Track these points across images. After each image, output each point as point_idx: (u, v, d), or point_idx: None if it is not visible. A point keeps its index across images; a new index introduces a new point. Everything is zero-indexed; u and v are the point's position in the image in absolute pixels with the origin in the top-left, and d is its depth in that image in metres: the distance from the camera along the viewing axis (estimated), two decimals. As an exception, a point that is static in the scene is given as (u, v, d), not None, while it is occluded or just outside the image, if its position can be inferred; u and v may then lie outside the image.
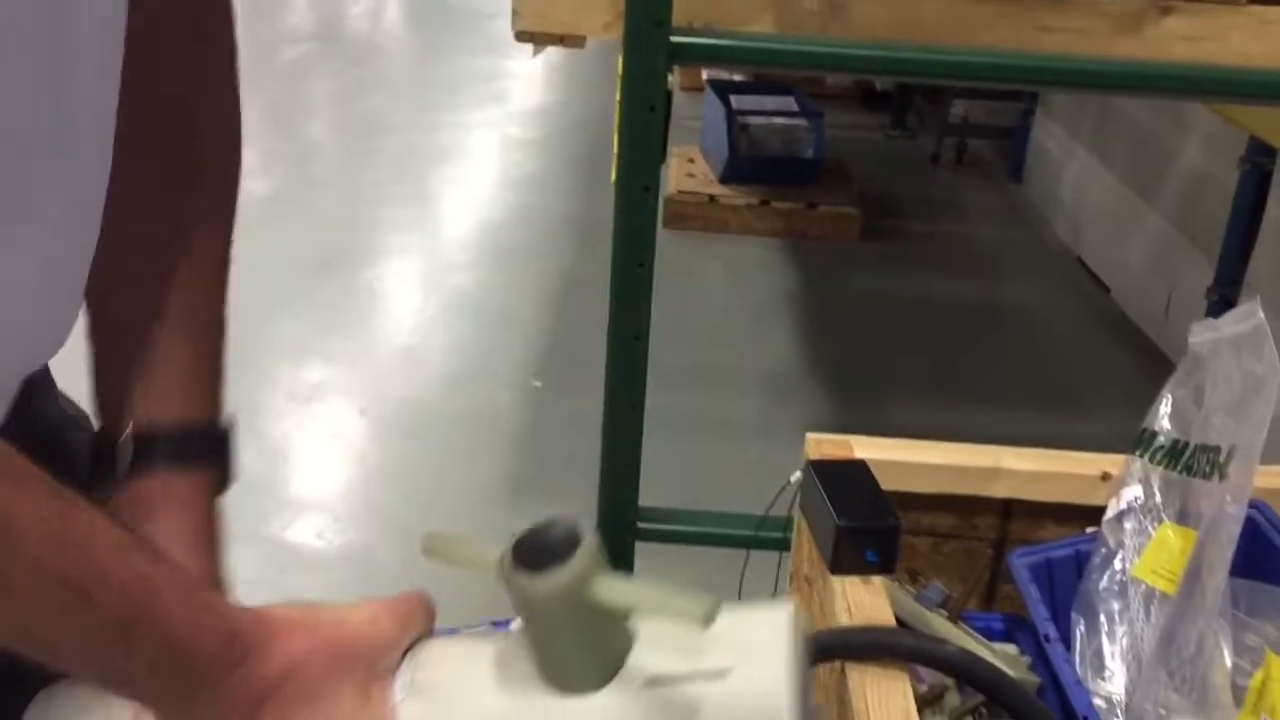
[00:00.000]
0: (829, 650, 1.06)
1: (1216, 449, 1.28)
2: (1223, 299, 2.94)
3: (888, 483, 1.37)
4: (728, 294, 3.71)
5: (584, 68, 5.50)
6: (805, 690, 0.54)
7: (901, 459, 1.41)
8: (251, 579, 2.53)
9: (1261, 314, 1.24)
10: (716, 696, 0.54)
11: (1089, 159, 4.11)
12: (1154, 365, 3.04)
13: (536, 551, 0.56)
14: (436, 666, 0.61)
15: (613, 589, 0.54)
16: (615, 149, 1.64)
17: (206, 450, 0.75)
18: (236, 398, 2.87)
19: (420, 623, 0.64)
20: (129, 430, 0.70)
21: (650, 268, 1.72)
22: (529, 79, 6.15)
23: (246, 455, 2.67)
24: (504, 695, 0.57)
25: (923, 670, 1.27)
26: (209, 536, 0.74)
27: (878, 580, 1.19)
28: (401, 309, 3.45)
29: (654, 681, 0.55)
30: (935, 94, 5.25)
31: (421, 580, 2.56)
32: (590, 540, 0.56)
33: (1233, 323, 1.27)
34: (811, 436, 1.43)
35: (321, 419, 2.79)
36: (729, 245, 4.01)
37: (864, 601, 1.16)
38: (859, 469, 1.28)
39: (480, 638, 0.64)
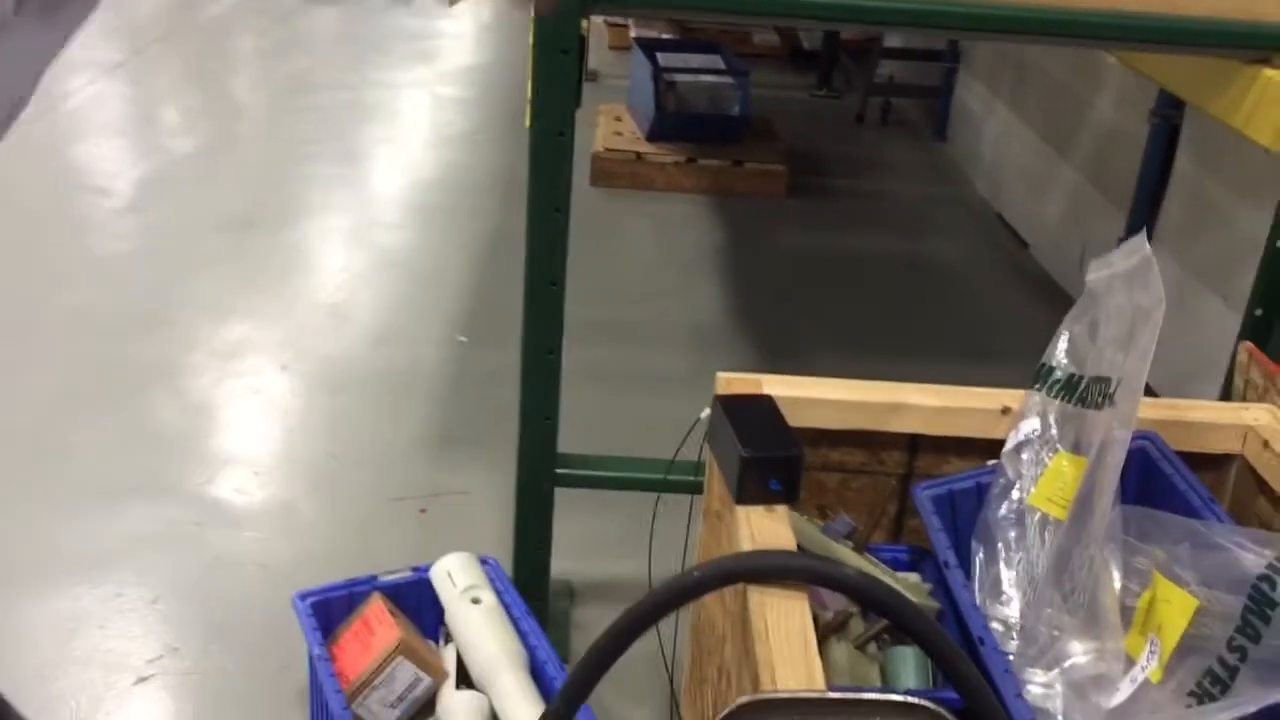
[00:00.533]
0: (730, 574, 1.08)
1: (1107, 380, 1.32)
2: (1133, 250, 3.01)
3: (797, 419, 1.40)
4: (655, 250, 3.72)
5: (517, 28, 5.46)
6: None
7: (809, 395, 1.44)
8: (172, 533, 2.53)
9: (1148, 247, 1.29)
10: None
11: (1008, 116, 4.17)
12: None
13: None
14: None
15: None
16: (529, 94, 1.64)
17: None
18: (156, 355, 2.87)
19: None
20: None
21: (566, 214, 1.73)
22: (459, 37, 6.09)
23: (167, 412, 2.66)
24: None
25: (827, 598, 1.31)
26: None
27: (781, 509, 1.22)
28: (326, 267, 3.42)
29: None
30: (862, 54, 5.29)
31: (340, 531, 2.58)
32: None
33: (1123, 257, 1.31)
34: (722, 375, 1.45)
35: (243, 375, 2.76)
36: (656, 203, 4.03)
37: (767, 529, 1.19)
38: (765, 403, 1.31)
39: None
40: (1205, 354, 2.64)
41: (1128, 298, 1.31)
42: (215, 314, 3.02)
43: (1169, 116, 2.91)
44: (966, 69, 4.72)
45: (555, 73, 1.63)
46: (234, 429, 2.58)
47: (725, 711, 0.91)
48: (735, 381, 1.43)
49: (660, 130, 4.15)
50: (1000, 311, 3.41)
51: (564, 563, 2.07)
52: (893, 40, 5.39)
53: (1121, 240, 3.07)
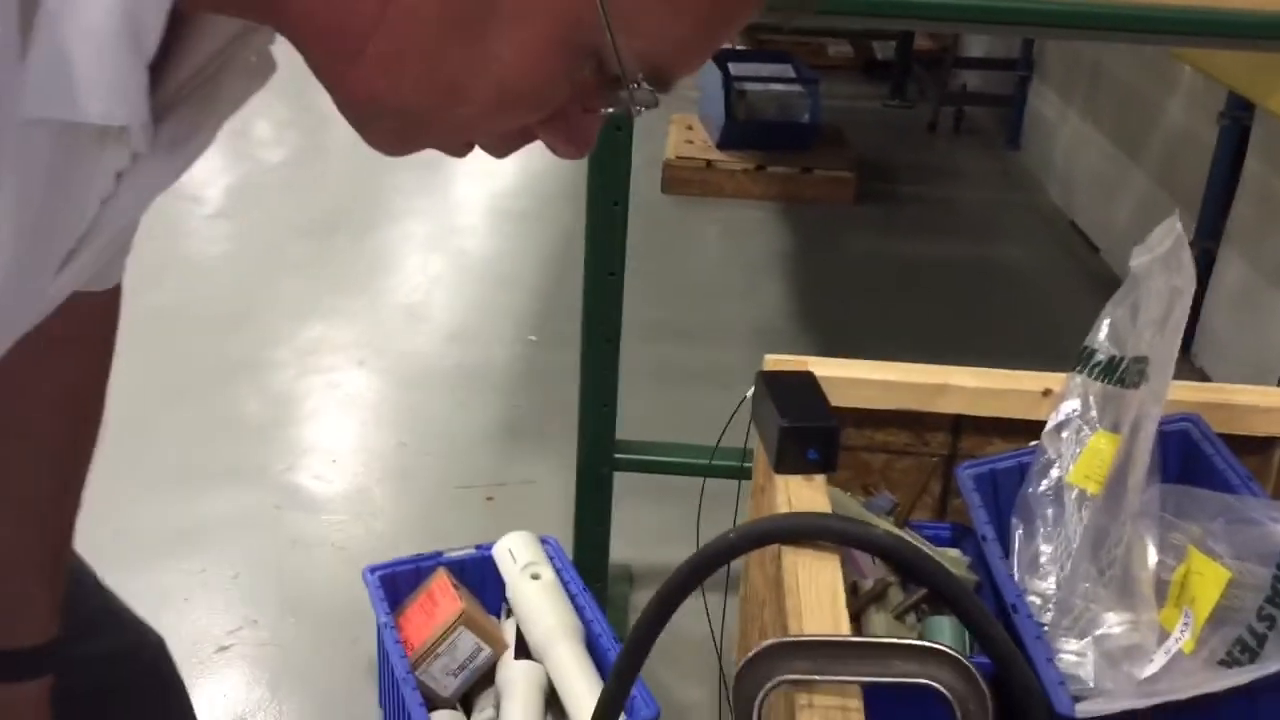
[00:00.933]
0: (765, 535, 1.14)
1: (1145, 359, 1.35)
2: (1204, 253, 3.00)
3: (843, 400, 1.45)
4: (723, 255, 3.78)
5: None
6: None
7: (855, 376, 1.49)
8: (252, 515, 2.65)
9: (1179, 227, 1.32)
10: None
11: (1081, 124, 4.16)
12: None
13: None
14: None
15: None
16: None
17: (33, 669, 0.89)
18: (242, 351, 3.00)
19: None
20: None
21: (625, 207, 1.80)
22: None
23: (251, 403, 2.80)
24: None
25: (866, 568, 1.36)
26: None
27: (819, 479, 1.27)
28: (404, 270, 3.54)
29: None
30: (935, 63, 5.30)
31: (410, 516, 2.69)
32: None
33: (1159, 240, 1.34)
34: (770, 357, 1.51)
35: (322, 370, 2.88)
36: (726, 209, 4.08)
37: (804, 497, 1.24)
38: (806, 379, 1.36)
39: None
40: (1276, 353, 2.62)
41: (1165, 280, 1.34)
42: (298, 313, 3.15)
43: (1238, 118, 2.89)
44: (1040, 77, 4.71)
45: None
46: (313, 420, 2.69)
47: (751, 653, 0.97)
48: (783, 362, 1.48)
49: (730, 138, 4.21)
50: (1069, 314, 3.40)
51: (624, 549, 2.14)
52: (966, 50, 5.39)
53: (1191, 244, 3.07)
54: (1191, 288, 1.26)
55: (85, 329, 0.93)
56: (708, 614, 1.69)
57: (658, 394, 2.73)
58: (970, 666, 0.95)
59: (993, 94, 5.10)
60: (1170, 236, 1.30)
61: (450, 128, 0.61)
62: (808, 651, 0.95)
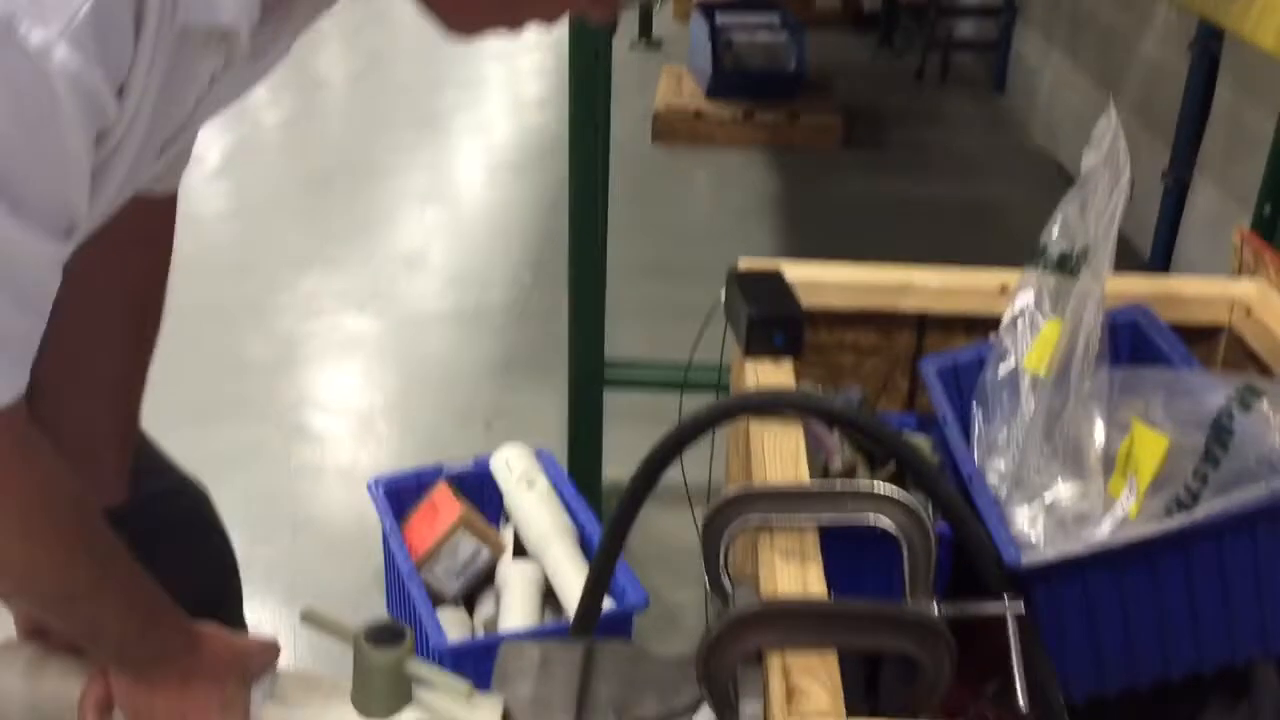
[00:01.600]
0: (733, 408, 1.23)
1: (1089, 249, 1.44)
2: (1177, 181, 3.08)
3: (813, 301, 1.54)
4: (712, 200, 3.87)
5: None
6: None
7: (824, 279, 1.58)
8: (261, 448, 2.78)
9: (1115, 119, 1.40)
10: None
11: (1063, 64, 4.23)
12: (1119, 252, 3.18)
13: (376, 634, 0.94)
14: (287, 685, 0.99)
15: (417, 667, 0.95)
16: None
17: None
18: (247, 298, 3.13)
19: (270, 658, 0.99)
20: None
21: (606, 131, 1.88)
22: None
23: (256, 347, 2.92)
24: (327, 710, 0.97)
25: (833, 448, 1.45)
26: None
27: (786, 363, 1.37)
28: (401, 221, 3.63)
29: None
30: (921, 13, 5.36)
31: (413, 443, 2.79)
32: (409, 638, 0.95)
33: (1101, 136, 1.43)
34: (743, 259, 1.60)
35: (325, 314, 2.98)
36: (715, 156, 4.16)
37: (770, 378, 1.34)
38: (774, 276, 1.45)
39: (312, 677, 1.02)
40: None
41: (1108, 172, 1.43)
42: (300, 263, 3.24)
43: (1208, 46, 2.96)
44: (1024, 22, 4.77)
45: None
46: (317, 360, 2.79)
47: (718, 501, 1.06)
48: (754, 263, 1.57)
49: (719, 88, 4.28)
50: (1050, 249, 3.48)
51: (616, 470, 2.24)
52: (953, -2, 5.44)
53: (1165, 173, 3.15)
54: (1127, 173, 1.34)
55: (150, 231, 1.07)
56: (695, 522, 1.79)
57: (647, 328, 2.81)
58: (915, 507, 1.05)
59: (978, 40, 5.16)
60: (1109, 130, 1.39)
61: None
62: (769, 499, 1.05)
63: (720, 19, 4.41)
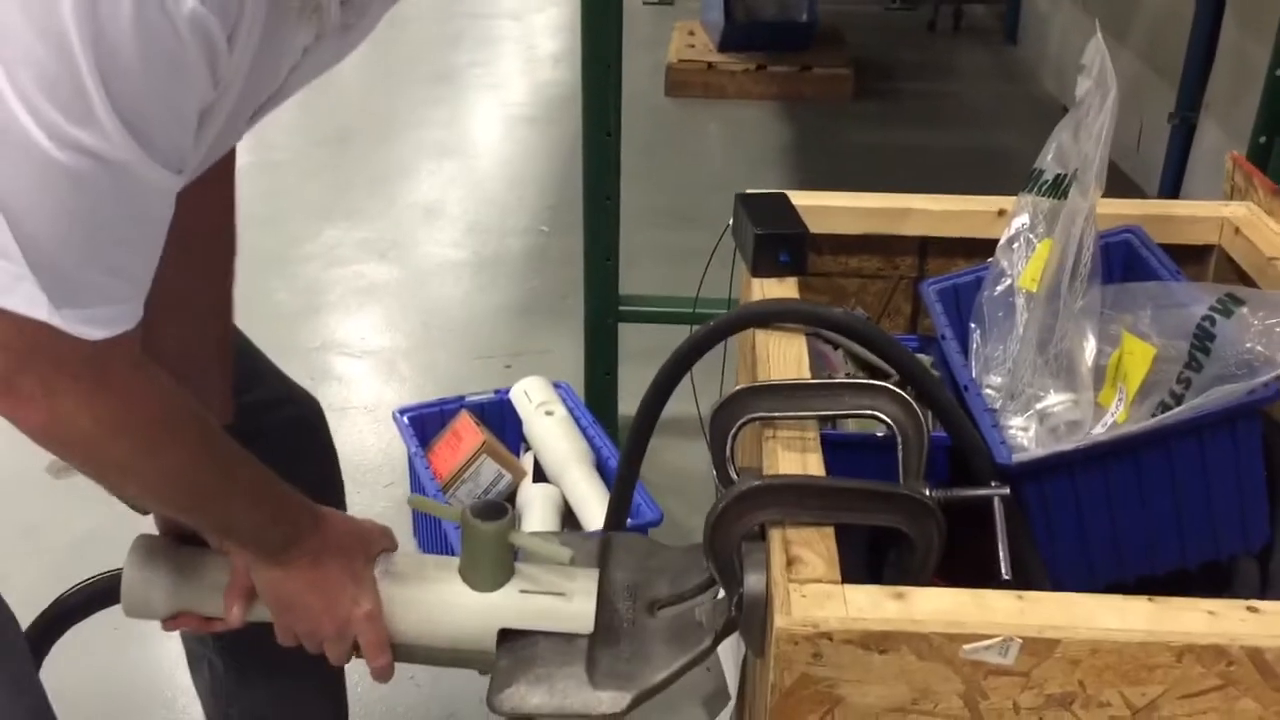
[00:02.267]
0: (741, 319, 1.31)
1: (1080, 170, 1.50)
2: (1184, 122, 3.12)
3: (818, 226, 1.60)
4: (725, 151, 3.92)
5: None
6: (612, 609, 1.06)
7: (828, 204, 1.64)
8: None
9: (1100, 42, 1.45)
10: (552, 604, 1.03)
11: (1073, 12, 4.25)
12: (1126, 194, 3.23)
13: (481, 510, 1.02)
14: (401, 564, 1.07)
15: (519, 536, 1.03)
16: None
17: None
18: (270, 248, 3.23)
19: (388, 541, 1.08)
20: None
21: (618, 69, 1.94)
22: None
23: (281, 294, 3.01)
24: (440, 584, 1.04)
25: (837, 364, 1.52)
26: None
27: (791, 280, 1.43)
28: (419, 174, 3.69)
29: (523, 592, 1.03)
30: (934, -35, 5.37)
31: (435, 382, 2.90)
32: (512, 512, 1.03)
33: (1090, 59, 1.48)
34: (750, 190, 1.66)
35: (347, 263, 3.06)
36: (727, 109, 4.21)
37: (776, 293, 1.41)
38: (779, 198, 1.52)
39: (423, 557, 1.13)
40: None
41: (1097, 94, 1.49)
42: (321, 215, 3.32)
43: (1214, -13, 3.00)
44: (1036, -29, 4.78)
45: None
46: (340, 306, 2.87)
47: (723, 397, 1.14)
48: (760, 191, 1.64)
49: (730, 40, 4.32)
50: (1059, 194, 3.53)
51: (631, 405, 2.31)
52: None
53: (1171, 114, 3.18)
54: (1113, 92, 1.40)
55: (225, 172, 1.17)
56: (715, 483, 1.87)
57: (660, 271, 2.88)
58: (909, 399, 1.11)
59: (991, -9, 5.18)
60: (1096, 53, 1.44)
61: None
62: (771, 393, 1.12)
63: (732, -29, 4.44)
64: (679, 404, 1.44)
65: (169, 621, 1.09)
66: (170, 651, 1.67)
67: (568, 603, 1.03)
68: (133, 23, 0.70)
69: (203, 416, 0.93)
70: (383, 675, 1.06)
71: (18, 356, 0.79)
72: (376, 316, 2.82)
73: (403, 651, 1.06)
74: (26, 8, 0.69)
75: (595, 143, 1.97)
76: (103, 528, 1.18)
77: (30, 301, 0.76)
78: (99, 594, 1.14)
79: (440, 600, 1.04)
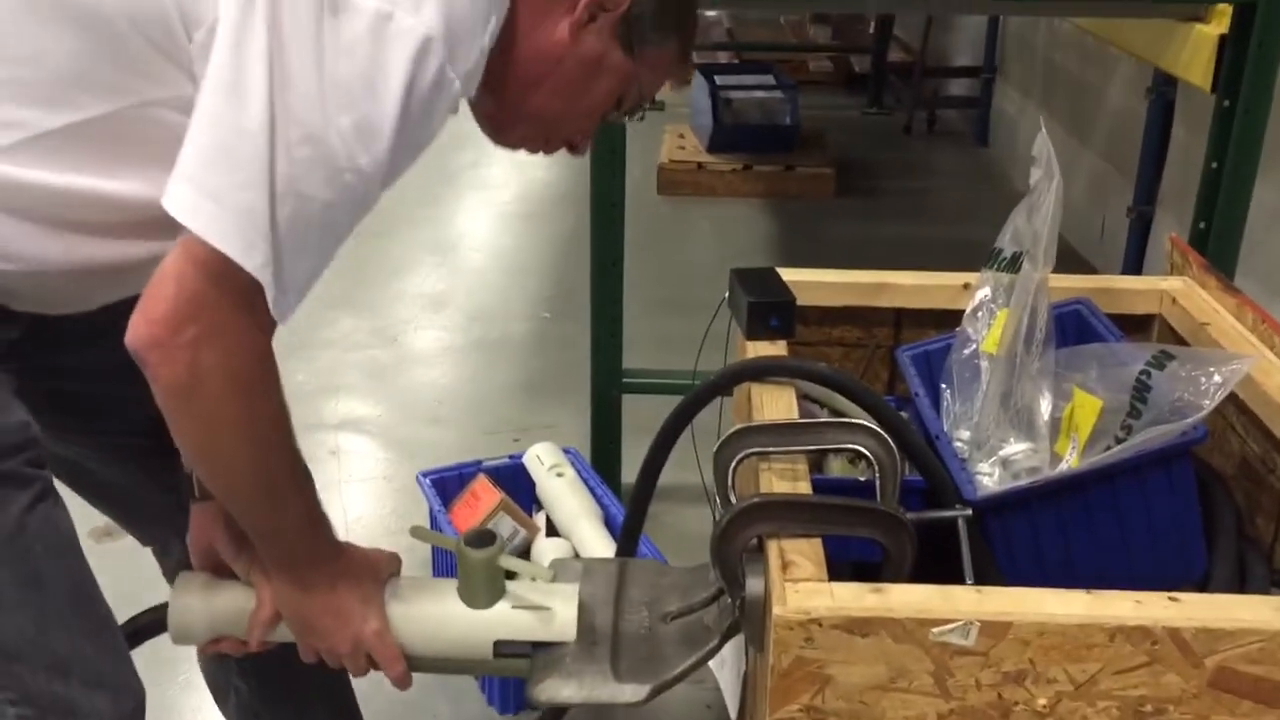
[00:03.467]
0: (736, 375, 1.49)
1: (1033, 245, 1.70)
2: (1140, 216, 3.36)
3: (803, 299, 1.80)
4: (715, 244, 4.15)
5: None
6: (591, 621, 1.21)
7: (811, 280, 1.84)
8: (311, 459, 3.06)
9: (1044, 135, 1.67)
10: (538, 617, 1.19)
11: (1037, 115, 4.53)
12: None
13: (473, 539, 1.19)
14: (407, 586, 1.22)
15: (508, 560, 1.19)
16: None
17: None
18: (291, 337, 3.38)
19: (396, 566, 1.23)
20: None
21: (622, 157, 2.16)
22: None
23: (298, 376, 3.21)
24: (440, 603, 1.20)
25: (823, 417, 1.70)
26: None
27: (781, 343, 1.62)
28: (423, 266, 3.90)
29: (514, 607, 1.19)
30: (908, 73, 5.69)
31: (449, 454, 3.06)
32: (500, 540, 1.20)
33: (1038, 151, 1.70)
34: (743, 267, 1.86)
35: (360, 349, 3.24)
36: (717, 207, 4.46)
37: (767, 353, 1.59)
38: (769, 272, 1.72)
39: (426, 580, 1.31)
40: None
41: (1045, 181, 1.70)
42: (335, 304, 3.51)
43: (1164, 92, 3.26)
44: (1003, 79, 5.09)
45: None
46: (357, 388, 3.05)
47: (724, 436, 1.32)
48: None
49: (719, 142, 4.59)
50: (1029, 283, 3.75)
51: (634, 475, 2.48)
52: (941, 59, 5.78)
53: (1130, 209, 3.43)
54: (1056, 177, 1.61)
55: None
56: (713, 508, 2.03)
57: (659, 355, 3.08)
58: (885, 436, 1.29)
59: (961, 96, 5.48)
60: (1044, 146, 1.66)
61: (561, 131, 1.19)
62: (765, 431, 1.30)
63: (719, 79, 4.73)
64: (680, 472, 1.62)
65: (208, 645, 1.25)
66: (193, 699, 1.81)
67: (552, 615, 1.19)
68: (428, 95, 0.97)
69: (287, 408, 1.09)
70: (401, 683, 1.20)
71: (194, 310, 0.95)
72: (390, 397, 3.00)
73: (413, 662, 1.21)
74: (364, 73, 0.95)
75: (602, 214, 2.17)
76: (142, 591, 1.34)
77: (259, 267, 0.95)
78: (148, 625, 1.29)
79: (441, 617, 1.19)
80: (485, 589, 1.19)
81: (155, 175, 0.97)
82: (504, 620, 1.19)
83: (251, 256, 0.94)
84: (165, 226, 0.95)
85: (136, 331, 0.96)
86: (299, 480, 1.11)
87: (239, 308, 0.97)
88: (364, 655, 1.18)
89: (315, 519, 1.13)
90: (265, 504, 1.09)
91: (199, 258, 0.95)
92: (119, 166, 1.02)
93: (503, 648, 1.19)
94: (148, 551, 1.47)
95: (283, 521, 1.11)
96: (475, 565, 1.18)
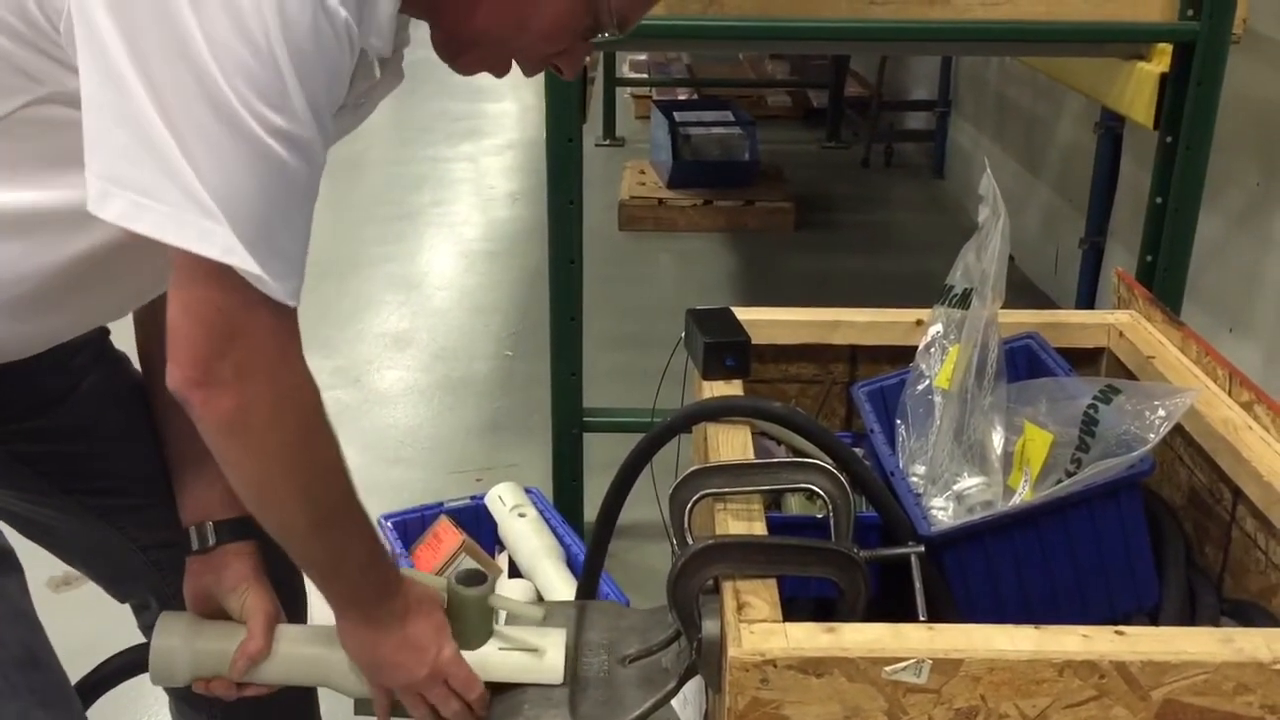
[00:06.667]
0: (693, 416, 1.51)
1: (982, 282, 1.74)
2: (1093, 247, 3.42)
3: (759, 337, 1.82)
4: (676, 279, 4.18)
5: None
6: (577, 664, 1.22)
7: (767, 318, 1.87)
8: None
9: (989, 176, 1.70)
10: (527, 659, 1.20)
11: (993, 149, 4.61)
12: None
13: (465, 578, 1.19)
14: None
15: (497, 599, 1.19)
16: (545, 99, 2.11)
17: (251, 531, 1.23)
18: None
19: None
20: (206, 521, 1.26)
21: (579, 202, 2.18)
22: (501, 116, 6.65)
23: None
24: None
25: (779, 454, 1.72)
26: (263, 573, 1.27)
27: (736, 382, 1.64)
28: (386, 305, 3.91)
29: (502, 649, 1.19)
30: (864, 107, 5.77)
31: (413, 494, 3.05)
32: (491, 579, 1.20)
33: (985, 191, 1.74)
34: (699, 307, 1.88)
35: (324, 389, 3.22)
36: (677, 241, 4.49)
37: (725, 393, 1.61)
38: (725, 312, 1.74)
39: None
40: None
41: (991, 219, 1.74)
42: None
43: (1111, 127, 3.33)
44: (958, 113, 5.18)
45: (562, 89, 2.10)
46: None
47: (680, 477, 1.33)
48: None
49: (679, 178, 4.64)
50: (986, 314, 3.80)
51: (596, 513, 2.49)
52: (896, 94, 5.86)
53: (1082, 241, 3.49)
54: (1003, 216, 1.65)
55: None
56: (672, 547, 2.04)
57: (619, 391, 3.09)
58: (838, 475, 1.31)
59: (917, 130, 5.57)
60: (989, 186, 1.70)
61: (512, 52, 1.06)
62: (721, 472, 1.31)
63: (678, 115, 4.78)
64: (641, 508, 1.63)
65: (199, 683, 1.24)
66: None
67: (541, 657, 1.19)
68: (311, 28, 0.89)
69: (334, 432, 1.06)
70: (479, 705, 1.18)
71: (220, 339, 0.92)
72: (354, 438, 2.99)
73: (396, 707, 1.20)
74: (235, 22, 0.85)
75: (560, 267, 2.19)
76: (101, 641, 1.33)
77: (244, 262, 0.90)
78: (127, 665, 1.28)
79: None
80: (476, 630, 1.19)
81: (54, 178, 0.95)
82: (494, 661, 1.19)
83: (211, 242, 0.89)
84: (76, 229, 0.95)
85: (173, 379, 0.94)
86: (355, 509, 1.08)
87: (250, 306, 0.93)
88: (443, 684, 1.16)
89: (376, 551, 1.10)
90: (325, 535, 1.06)
91: (186, 273, 0.92)
92: (12, 173, 0.97)
93: (497, 691, 1.19)
94: (107, 600, 1.46)
95: (345, 554, 1.08)
96: (467, 605, 1.17)
